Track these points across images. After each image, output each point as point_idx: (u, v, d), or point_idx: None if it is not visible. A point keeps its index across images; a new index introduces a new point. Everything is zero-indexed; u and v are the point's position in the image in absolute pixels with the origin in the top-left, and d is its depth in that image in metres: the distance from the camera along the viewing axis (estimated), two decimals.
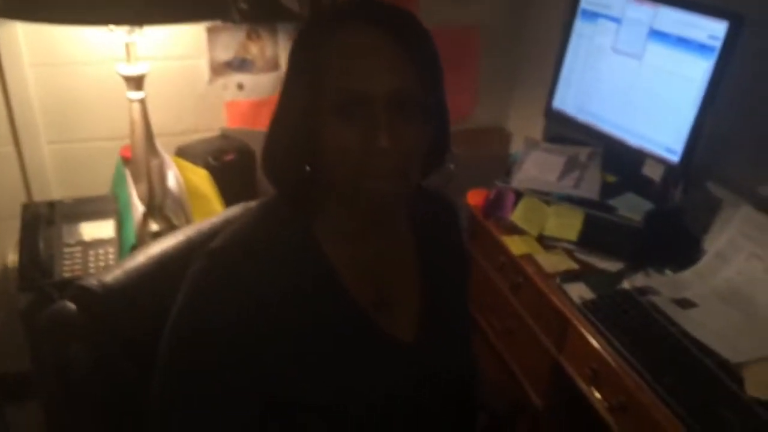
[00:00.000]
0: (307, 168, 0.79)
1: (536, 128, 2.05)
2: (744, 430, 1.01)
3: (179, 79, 1.77)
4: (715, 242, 1.42)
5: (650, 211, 1.49)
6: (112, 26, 1.36)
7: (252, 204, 1.04)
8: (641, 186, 1.57)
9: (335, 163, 0.73)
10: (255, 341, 0.73)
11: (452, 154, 0.89)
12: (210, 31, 1.74)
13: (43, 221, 1.46)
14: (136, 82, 1.45)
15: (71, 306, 0.84)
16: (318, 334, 0.78)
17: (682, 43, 1.42)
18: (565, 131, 1.82)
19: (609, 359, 1.22)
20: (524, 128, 2.14)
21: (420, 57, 0.73)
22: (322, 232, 0.81)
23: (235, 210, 1.02)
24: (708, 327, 1.23)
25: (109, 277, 0.89)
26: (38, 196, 1.73)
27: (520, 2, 2.08)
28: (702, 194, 1.57)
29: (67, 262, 1.40)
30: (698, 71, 1.39)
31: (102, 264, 1.43)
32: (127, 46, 1.41)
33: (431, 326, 0.89)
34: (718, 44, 1.34)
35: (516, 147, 2.20)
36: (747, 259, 1.35)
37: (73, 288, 0.85)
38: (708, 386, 1.11)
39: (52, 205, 1.52)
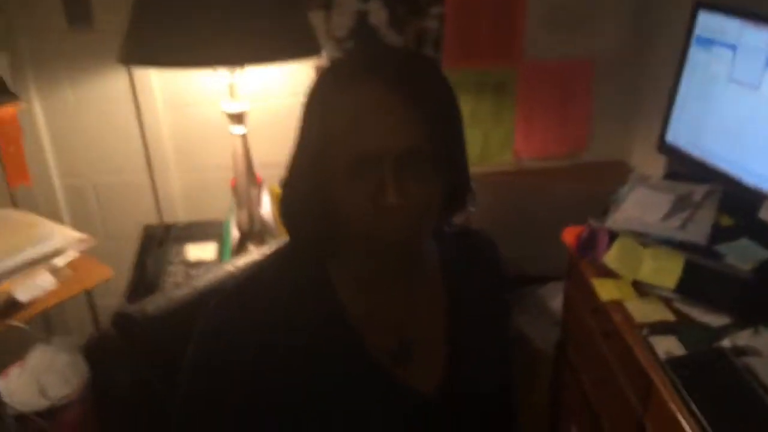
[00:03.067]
0: (322, 219, 0.79)
1: (657, 164, 1.89)
2: None
3: (282, 114, 1.88)
4: None
5: (764, 261, 1.30)
6: (230, 68, 1.50)
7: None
8: (758, 231, 1.38)
9: (349, 218, 0.74)
10: (266, 383, 0.75)
11: (473, 195, 0.86)
12: (318, 70, 1.85)
13: (156, 241, 1.64)
14: (239, 118, 1.58)
15: (113, 331, 0.93)
16: (329, 383, 0.78)
17: None
18: (686, 167, 1.66)
19: (684, 425, 1.08)
20: (646, 163, 1.98)
21: (432, 112, 0.72)
22: (338, 280, 0.81)
23: (277, 245, 1.08)
24: None
25: (151, 306, 0.97)
26: (168, 219, 1.95)
27: (638, 31, 1.95)
28: None
29: (169, 280, 1.56)
30: None
31: None
32: (230, 86, 1.55)
33: (456, 377, 0.86)
34: None
35: None
36: None
37: (115, 315, 0.94)
38: None
39: (168, 227, 1.70)
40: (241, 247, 1.63)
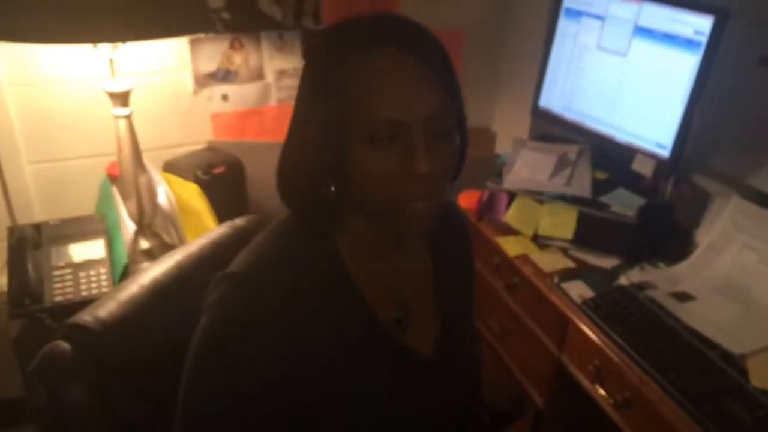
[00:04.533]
0: (332, 188, 0.76)
1: (522, 127, 2.05)
2: (753, 421, 1.03)
3: (163, 93, 1.75)
4: (707, 234, 1.44)
5: (643, 206, 1.50)
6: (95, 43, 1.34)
7: (240, 222, 1.04)
8: (632, 182, 1.58)
9: (373, 188, 0.73)
10: (284, 364, 0.72)
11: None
12: (193, 43, 1.72)
13: (30, 244, 1.42)
14: (122, 99, 1.42)
15: (66, 346, 0.81)
16: (344, 352, 0.77)
17: (668, 38, 1.43)
18: (550, 129, 1.83)
19: (612, 356, 1.23)
20: (510, 128, 2.15)
21: (445, 76, 0.73)
22: (344, 250, 0.80)
23: (223, 230, 1.01)
24: (708, 319, 1.25)
25: (104, 312, 0.86)
26: (22, 219, 1.69)
27: (503, 3, 2.09)
28: (691, 187, 1.59)
29: (57, 286, 1.37)
30: (685, 66, 1.40)
31: (94, 286, 1.40)
32: (111, 62, 1.39)
33: (449, 338, 0.89)
34: (703, 39, 1.36)
35: (501, 147, 2.21)
36: (740, 250, 1.37)
37: (66, 326, 0.83)
38: (713, 378, 1.12)
39: (38, 227, 1.48)
40: (137, 241, 1.48)
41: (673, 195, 1.56)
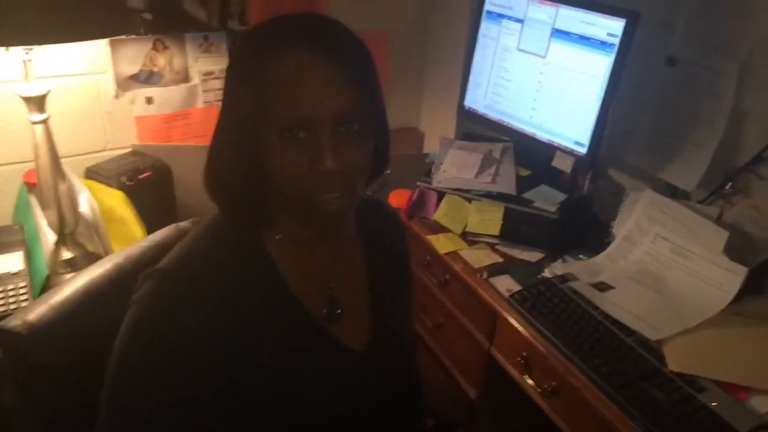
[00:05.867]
0: (256, 183, 0.78)
1: (449, 127, 2.10)
2: (669, 403, 1.09)
3: (83, 97, 1.68)
4: (623, 226, 1.52)
5: (563, 202, 1.57)
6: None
7: (184, 224, 1.02)
8: (553, 178, 1.65)
9: (284, 181, 0.75)
10: (210, 357, 0.73)
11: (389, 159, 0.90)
12: (114, 45, 1.67)
13: None
14: (38, 103, 1.36)
15: None
16: (273, 345, 0.78)
17: (583, 40, 1.50)
18: (476, 129, 1.88)
19: (539, 346, 1.28)
20: (437, 127, 2.19)
21: (359, 74, 0.75)
22: (272, 245, 0.82)
23: (166, 233, 1.00)
24: (626, 308, 1.32)
25: (33, 316, 0.84)
26: None
27: (428, 5, 2.13)
28: (608, 182, 1.68)
29: None
30: (599, 67, 1.47)
31: (12, 299, 1.34)
32: (25, 64, 1.33)
33: (381, 335, 0.91)
34: (616, 41, 1.43)
35: (429, 146, 2.25)
36: (653, 241, 1.45)
37: None
38: (632, 364, 1.18)
39: None
40: (58, 252, 1.42)
41: (592, 190, 1.64)
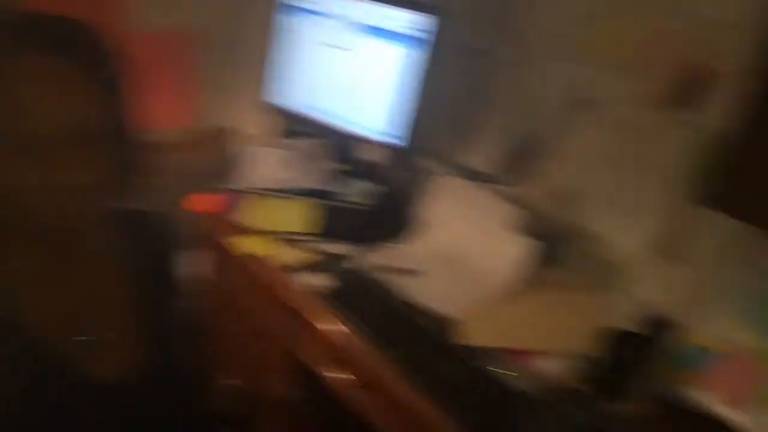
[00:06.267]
0: None
1: (262, 125, 2.06)
2: (464, 379, 1.13)
3: None
4: (429, 211, 1.56)
5: (376, 193, 1.58)
6: None
7: None
8: (367, 171, 1.67)
9: (15, 205, 0.67)
10: None
11: (157, 166, 0.84)
12: None
13: None
14: None
15: None
16: (11, 387, 0.71)
17: (389, 35, 1.52)
18: (290, 126, 1.86)
19: (344, 341, 1.27)
20: (253, 127, 2.14)
21: (97, 84, 0.69)
22: (12, 280, 0.73)
23: None
24: (429, 290, 1.35)
25: None
26: None
27: (232, 2, 2.08)
28: (417, 170, 1.72)
29: None
30: (405, 60, 1.50)
31: None
32: None
33: (149, 358, 0.85)
34: (418, 34, 1.46)
35: (242, 146, 2.20)
36: (456, 223, 1.51)
37: None
38: (432, 346, 1.21)
39: None
40: None
41: (403, 179, 1.67)
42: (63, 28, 0.69)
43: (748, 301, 1.08)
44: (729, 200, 0.96)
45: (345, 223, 1.58)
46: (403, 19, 1.49)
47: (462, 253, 1.46)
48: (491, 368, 1.15)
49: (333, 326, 1.30)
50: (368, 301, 1.33)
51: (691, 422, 1.08)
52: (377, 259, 1.49)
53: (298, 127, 1.80)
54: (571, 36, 1.38)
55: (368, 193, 1.59)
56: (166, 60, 1.99)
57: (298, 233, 1.57)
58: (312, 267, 1.48)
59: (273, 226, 1.57)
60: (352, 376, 1.27)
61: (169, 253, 0.99)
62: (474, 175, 1.60)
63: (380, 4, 1.53)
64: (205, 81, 2.12)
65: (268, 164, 1.68)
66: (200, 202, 1.65)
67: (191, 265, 1.97)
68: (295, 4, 1.70)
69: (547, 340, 1.21)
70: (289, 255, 1.52)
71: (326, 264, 1.49)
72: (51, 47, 0.66)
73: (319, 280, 1.42)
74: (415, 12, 1.47)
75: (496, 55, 1.52)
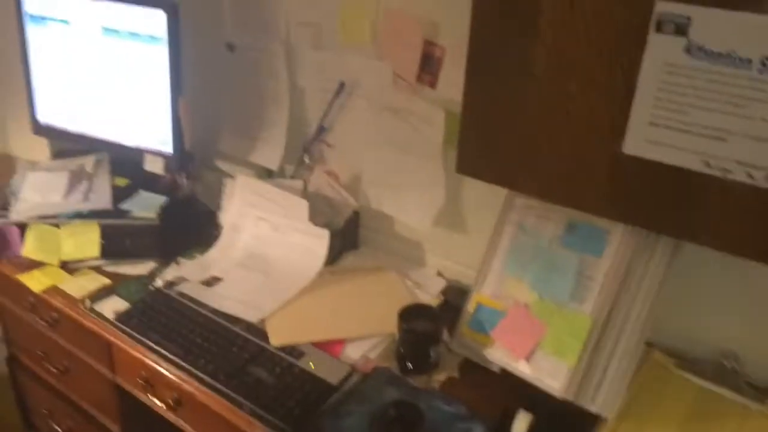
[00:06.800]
0: None
1: (43, 147, 1.87)
2: (274, 378, 1.12)
3: None
4: (227, 215, 1.52)
5: (163, 205, 1.50)
6: None
7: None
8: (152, 182, 1.58)
9: None
10: None
11: None
12: None
13: None
14: None
15: None
16: None
17: (134, 36, 1.43)
18: (68, 144, 1.70)
19: (152, 362, 1.22)
20: (30, 149, 1.93)
21: None
22: None
23: None
24: (232, 297, 1.32)
25: None
26: None
27: None
28: (207, 175, 1.66)
29: None
30: (157, 62, 1.42)
31: None
32: None
33: None
34: (164, 34, 1.39)
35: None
36: (255, 224, 1.48)
37: None
38: (239, 352, 1.19)
39: None
40: None
41: (192, 186, 1.60)
42: None
43: (523, 261, 1.18)
44: (475, 166, 1.04)
45: (134, 240, 1.48)
46: (146, 19, 1.41)
47: (262, 253, 1.45)
48: (302, 365, 1.15)
49: (138, 350, 1.23)
50: (172, 318, 1.27)
51: (489, 379, 1.16)
52: (176, 272, 1.42)
53: (72, 145, 1.65)
54: (319, 25, 1.41)
55: (154, 205, 1.50)
56: None
57: (86, 259, 1.45)
58: (105, 293, 1.37)
59: (55, 256, 1.44)
60: (168, 398, 1.21)
61: None
62: (262, 173, 1.58)
63: (120, 2, 1.43)
64: None
65: (42, 189, 1.53)
66: None
67: None
68: (33, 12, 1.54)
69: (353, 327, 1.24)
70: (78, 284, 1.40)
71: (120, 288, 1.39)
72: None
73: (115, 306, 1.33)
74: (155, 9, 1.39)
75: (256, 48, 1.50)
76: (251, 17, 1.48)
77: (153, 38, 1.41)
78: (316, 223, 1.40)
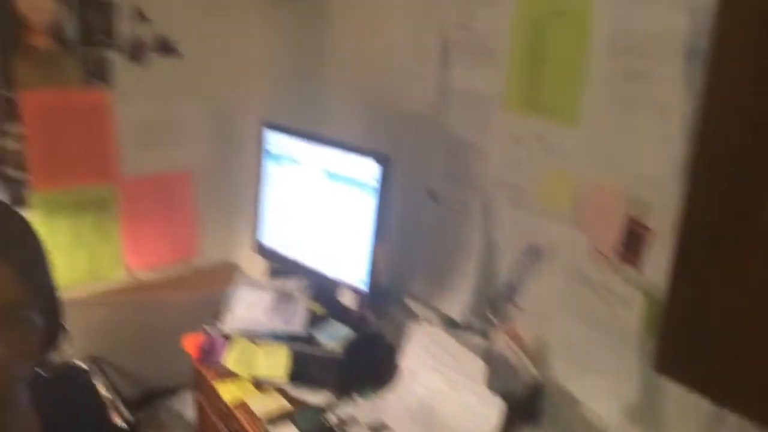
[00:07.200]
0: None
1: (261, 264, 2.08)
2: None
3: None
4: (406, 359, 1.52)
5: (350, 339, 1.56)
6: None
7: None
8: (343, 314, 1.66)
9: None
10: None
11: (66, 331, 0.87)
12: None
13: None
14: None
15: None
16: None
17: (351, 181, 1.56)
18: (279, 265, 1.87)
19: None
20: (251, 263, 2.16)
21: (10, 255, 0.72)
22: None
23: None
24: None
25: None
26: None
27: (222, 144, 2.16)
28: (393, 315, 1.70)
29: None
30: (366, 206, 1.53)
31: None
32: None
33: None
34: (376, 182, 1.49)
35: None
36: (431, 374, 1.46)
37: None
38: None
39: None
40: None
41: (379, 324, 1.65)
42: None
43: None
44: (677, 369, 0.91)
45: (317, 369, 1.54)
46: (363, 167, 1.52)
47: (433, 408, 1.42)
48: None
49: None
50: None
51: None
52: (350, 411, 1.44)
53: (282, 267, 1.82)
54: (519, 186, 1.40)
55: (341, 337, 1.57)
56: (168, 198, 2.07)
57: (273, 378, 1.54)
58: (283, 417, 1.44)
59: (249, 370, 1.55)
60: None
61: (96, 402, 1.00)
62: (447, 322, 1.57)
63: (342, 151, 1.58)
64: (211, 218, 2.20)
65: (249, 305, 1.69)
66: (190, 343, 1.65)
67: (184, 405, 1.98)
68: (272, 150, 1.76)
69: None
70: (262, 402, 1.49)
71: (297, 414, 1.44)
72: None
73: None
74: (371, 159, 1.50)
75: (456, 200, 1.53)
76: (457, 172, 1.54)
77: (365, 185, 1.52)
78: (493, 387, 1.34)
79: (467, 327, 1.55)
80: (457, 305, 1.55)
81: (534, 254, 1.39)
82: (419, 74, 1.64)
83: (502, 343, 1.45)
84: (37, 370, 0.87)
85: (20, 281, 0.72)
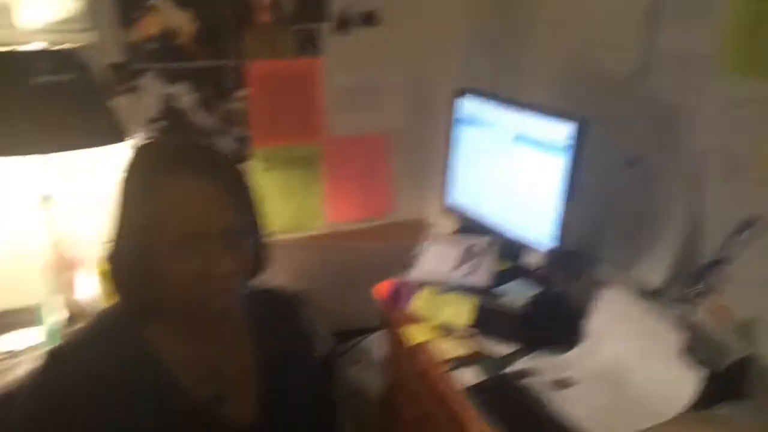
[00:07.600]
0: (148, 284, 0.89)
1: (450, 222, 2.17)
2: None
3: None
4: (593, 323, 1.51)
5: (534, 296, 1.59)
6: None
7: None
8: (525, 273, 1.69)
9: (178, 285, 0.87)
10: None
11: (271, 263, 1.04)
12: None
13: None
14: (46, 202, 1.57)
15: None
16: (148, 426, 0.88)
17: (543, 145, 1.57)
18: (466, 224, 1.95)
19: None
20: (440, 220, 2.27)
21: (236, 193, 0.90)
22: (159, 336, 0.93)
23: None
24: (582, 406, 1.30)
25: None
26: None
27: (418, 110, 2.29)
28: (582, 278, 1.68)
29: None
30: (558, 168, 1.53)
31: None
32: (37, 171, 1.54)
33: (272, 408, 1.01)
34: (570, 143, 1.49)
35: None
36: (620, 341, 1.44)
37: None
38: None
39: None
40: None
41: (566, 285, 1.65)
42: (209, 156, 0.91)
43: None
44: None
45: (500, 322, 1.59)
46: (556, 129, 1.52)
47: (623, 373, 1.39)
48: None
49: (476, 426, 1.32)
50: (516, 408, 1.32)
51: None
52: (531, 363, 1.48)
53: (470, 225, 1.89)
54: (736, 155, 1.31)
55: (524, 295, 1.60)
56: (366, 158, 2.25)
57: (457, 326, 1.62)
58: (465, 362, 1.51)
59: (435, 317, 1.65)
60: None
61: (298, 320, 1.16)
62: (641, 290, 1.53)
63: (536, 114, 1.59)
64: (406, 176, 2.37)
65: (438, 259, 1.78)
66: (382, 289, 1.79)
67: (374, 345, 2.16)
68: (464, 115, 1.83)
69: None
70: (445, 347, 1.58)
71: (480, 361, 1.51)
72: (202, 170, 0.87)
73: (470, 377, 1.45)
74: (567, 122, 1.50)
75: (662, 169, 1.48)
76: (660, 138, 1.48)
77: (556, 147, 1.53)
78: (691, 360, 1.29)
79: (664, 296, 1.50)
80: (655, 274, 1.49)
81: (748, 226, 1.31)
82: (621, 38, 1.59)
83: (704, 315, 1.38)
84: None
85: (240, 215, 0.89)
